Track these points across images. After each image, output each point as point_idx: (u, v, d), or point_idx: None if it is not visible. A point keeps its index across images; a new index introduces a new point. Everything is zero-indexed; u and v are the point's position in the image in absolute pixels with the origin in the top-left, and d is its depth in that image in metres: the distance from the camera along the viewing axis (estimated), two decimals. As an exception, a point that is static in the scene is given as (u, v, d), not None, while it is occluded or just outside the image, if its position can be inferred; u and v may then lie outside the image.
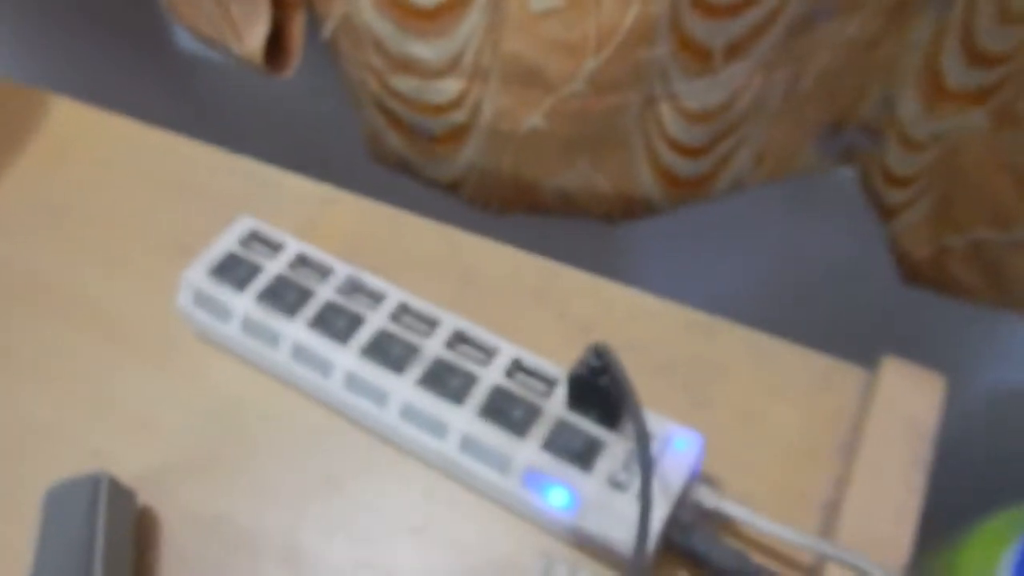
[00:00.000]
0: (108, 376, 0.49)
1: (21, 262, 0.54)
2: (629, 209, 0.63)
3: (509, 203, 0.64)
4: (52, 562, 0.39)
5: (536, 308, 0.50)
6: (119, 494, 0.42)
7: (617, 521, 0.39)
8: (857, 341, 0.49)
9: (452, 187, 0.65)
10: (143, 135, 0.60)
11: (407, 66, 0.56)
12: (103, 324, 0.51)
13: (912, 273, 0.61)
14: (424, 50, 0.54)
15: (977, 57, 0.49)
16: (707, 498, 0.41)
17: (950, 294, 0.60)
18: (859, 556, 0.38)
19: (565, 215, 0.64)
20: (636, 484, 0.39)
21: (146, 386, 0.49)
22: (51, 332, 0.51)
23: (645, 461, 0.37)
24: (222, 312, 0.47)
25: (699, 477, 0.42)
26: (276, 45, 0.59)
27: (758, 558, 0.40)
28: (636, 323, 0.49)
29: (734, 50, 0.51)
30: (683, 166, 0.59)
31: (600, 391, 0.40)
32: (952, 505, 0.57)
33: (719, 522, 0.42)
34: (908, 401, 0.44)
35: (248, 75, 0.73)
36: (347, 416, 0.46)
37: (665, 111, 0.55)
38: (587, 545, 0.41)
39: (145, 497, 0.44)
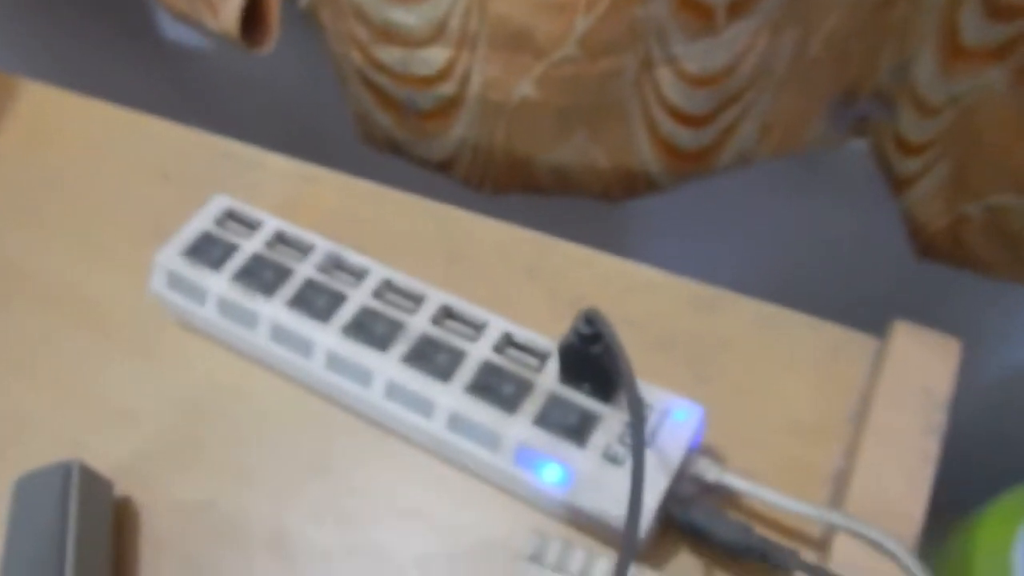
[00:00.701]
0: (86, 365, 0.50)
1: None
2: (629, 186, 0.63)
3: (503, 182, 0.64)
4: (23, 552, 0.40)
5: (527, 284, 0.51)
6: (93, 482, 0.43)
7: (613, 496, 0.39)
8: (867, 323, 0.49)
9: (444, 167, 0.65)
10: (117, 117, 0.60)
11: (390, 35, 0.56)
12: (80, 311, 0.52)
13: (927, 247, 0.61)
14: (407, 16, 0.55)
15: (998, 10, 0.49)
16: (708, 471, 0.41)
17: (967, 268, 0.60)
18: (869, 526, 0.39)
19: (562, 194, 0.64)
20: (632, 459, 0.39)
21: (125, 374, 0.49)
22: (27, 320, 0.52)
23: (637, 423, 0.37)
24: (197, 294, 0.48)
25: (700, 450, 0.42)
26: (254, 20, 0.59)
27: (764, 533, 0.40)
28: (634, 297, 0.50)
29: (737, 7, 0.51)
30: (684, 137, 0.59)
31: (592, 360, 0.40)
32: (967, 481, 0.58)
33: (722, 496, 0.42)
34: (921, 367, 0.44)
35: (235, 61, 0.74)
36: (331, 398, 0.47)
37: (664, 75, 0.55)
38: (582, 522, 0.41)
39: (125, 486, 0.45)
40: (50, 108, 0.62)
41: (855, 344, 0.47)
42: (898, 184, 0.60)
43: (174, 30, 0.84)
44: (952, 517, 0.63)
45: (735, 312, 0.49)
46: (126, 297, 0.52)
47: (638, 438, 0.37)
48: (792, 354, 0.47)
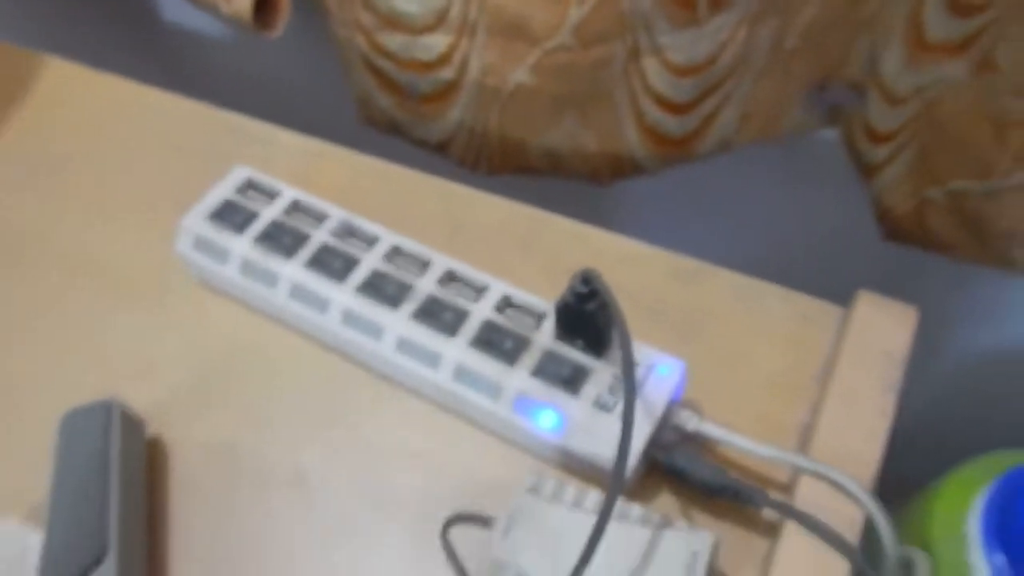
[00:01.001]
0: (111, 322, 0.55)
1: (21, 217, 0.60)
2: (616, 169, 0.69)
3: (497, 164, 0.70)
4: (70, 481, 0.45)
5: (524, 256, 0.56)
6: (130, 421, 0.48)
7: (602, 440, 0.45)
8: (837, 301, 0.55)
9: (441, 147, 0.70)
10: (135, 93, 0.66)
11: (395, 22, 0.62)
12: (104, 274, 0.57)
13: (893, 230, 0.67)
14: (410, 4, 0.60)
15: (959, 7, 0.55)
16: (688, 421, 0.47)
17: (931, 249, 0.66)
18: (830, 468, 0.44)
19: (553, 175, 0.70)
20: (621, 406, 0.45)
21: (150, 331, 0.55)
22: (56, 284, 0.57)
23: (628, 366, 0.43)
24: (221, 255, 0.53)
25: (681, 403, 0.48)
26: (264, 5, 0.65)
27: (737, 476, 0.46)
28: (623, 268, 0.55)
29: (719, 0, 0.56)
30: (669, 123, 0.64)
31: (587, 317, 0.46)
32: (929, 456, 0.63)
33: (700, 443, 0.47)
34: (881, 331, 0.50)
35: (236, 48, 0.78)
36: (344, 353, 0.52)
37: (650, 65, 0.60)
38: (574, 466, 0.47)
39: (153, 429, 0.50)
40: (66, 82, 0.67)
41: (823, 312, 0.53)
42: (867, 171, 0.66)
43: (173, 12, 0.88)
44: (915, 489, 0.69)
45: (715, 283, 0.55)
46: (146, 260, 0.57)
47: (629, 378, 0.42)
48: (766, 321, 0.53)
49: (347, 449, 0.50)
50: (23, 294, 0.57)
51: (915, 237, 0.65)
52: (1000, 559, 0.59)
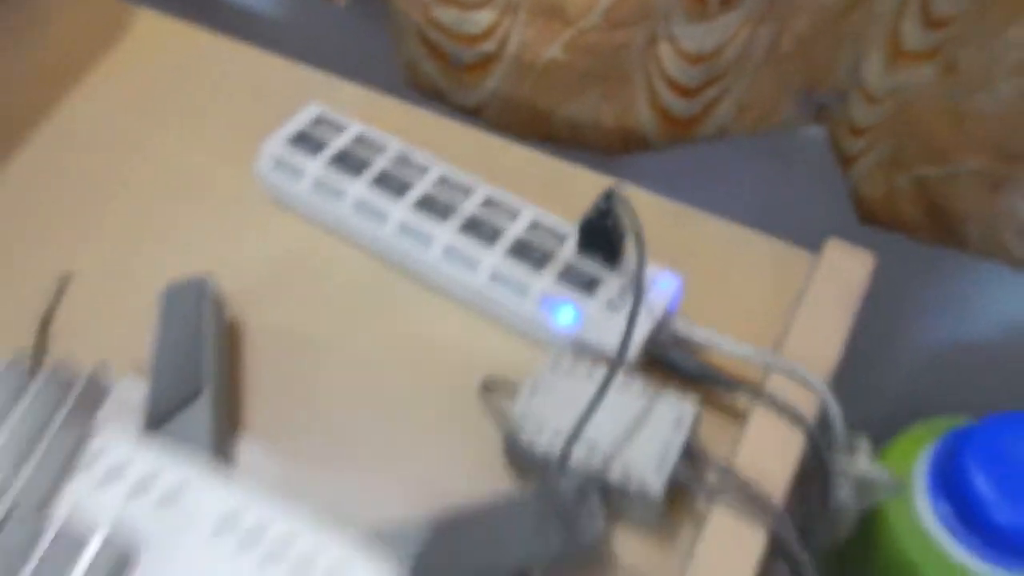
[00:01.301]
0: (195, 228, 0.65)
1: (120, 135, 0.71)
2: (626, 143, 0.79)
3: (525, 130, 0.80)
4: (170, 339, 0.55)
5: (546, 195, 0.65)
6: (217, 297, 0.58)
7: (612, 334, 0.54)
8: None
9: (475, 112, 0.81)
10: (215, 43, 0.76)
11: (449, -1, 0.72)
12: (189, 189, 0.67)
13: (867, 214, 0.77)
14: (465, -17, 0.71)
15: (931, 21, 0.64)
16: (682, 328, 0.57)
17: (900, 232, 0.76)
18: (794, 363, 0.55)
19: (571, 145, 0.80)
20: (629, 307, 0.55)
21: (228, 236, 0.65)
22: (150, 192, 0.67)
23: (640, 256, 0.53)
24: (296, 174, 0.63)
25: (677, 314, 0.58)
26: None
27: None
28: (632, 212, 0.66)
29: (727, 0, 0.67)
30: (676, 104, 0.74)
31: (605, 232, 0.56)
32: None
33: (690, 348, 0.58)
34: (845, 270, 0.60)
35: (283, 25, 0.89)
36: (397, 263, 0.62)
37: (665, 51, 0.70)
38: (588, 355, 0.57)
39: (230, 314, 0.60)
40: (156, 31, 0.78)
41: (798, 256, 0.63)
42: (846, 161, 0.76)
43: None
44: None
45: (707, 228, 0.65)
46: (226, 181, 0.67)
47: (640, 260, 0.53)
48: (748, 260, 0.63)
49: (395, 336, 0.60)
50: (123, 198, 0.67)
51: (887, 221, 0.75)
52: (944, 506, 0.68)
